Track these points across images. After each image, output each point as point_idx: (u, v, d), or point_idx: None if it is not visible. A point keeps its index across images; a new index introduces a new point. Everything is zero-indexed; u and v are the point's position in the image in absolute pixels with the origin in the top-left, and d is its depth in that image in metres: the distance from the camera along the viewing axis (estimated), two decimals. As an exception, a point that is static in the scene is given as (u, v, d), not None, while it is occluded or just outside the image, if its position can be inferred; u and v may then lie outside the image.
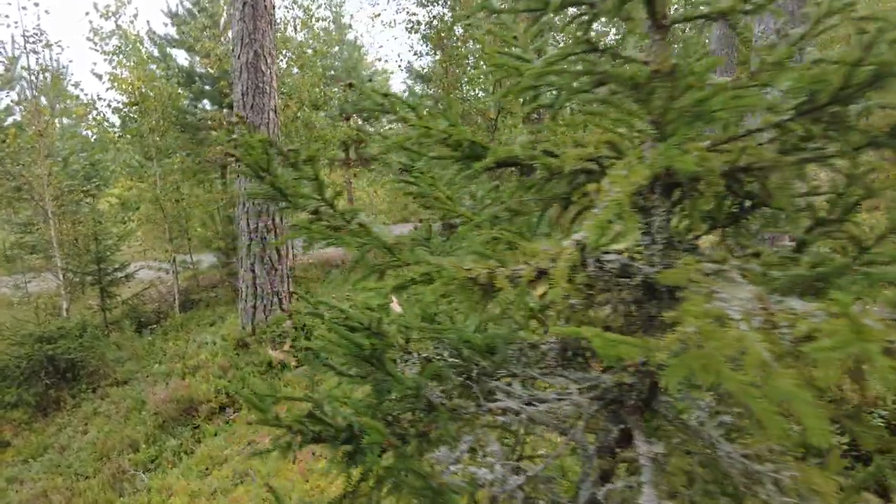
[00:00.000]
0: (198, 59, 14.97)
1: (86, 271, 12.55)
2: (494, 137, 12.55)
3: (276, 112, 8.06)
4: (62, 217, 12.51)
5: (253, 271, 8.02)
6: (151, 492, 5.47)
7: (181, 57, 15.41)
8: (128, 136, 12.15)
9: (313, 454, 4.74)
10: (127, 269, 13.05)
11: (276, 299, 8.10)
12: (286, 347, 7.57)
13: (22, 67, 13.59)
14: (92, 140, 17.43)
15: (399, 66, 33.00)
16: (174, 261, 12.93)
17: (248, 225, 7.96)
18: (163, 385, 7.35)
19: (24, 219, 17.47)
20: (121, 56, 11.57)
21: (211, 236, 12.67)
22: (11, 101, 19.38)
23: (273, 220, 8.04)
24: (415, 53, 15.36)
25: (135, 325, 12.02)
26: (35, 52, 12.07)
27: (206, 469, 5.65)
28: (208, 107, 16.06)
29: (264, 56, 7.80)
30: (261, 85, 7.80)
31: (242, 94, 7.78)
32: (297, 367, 7.31)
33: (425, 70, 13.81)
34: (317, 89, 12.38)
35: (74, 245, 13.14)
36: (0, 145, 15.24)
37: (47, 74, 11.97)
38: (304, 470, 4.54)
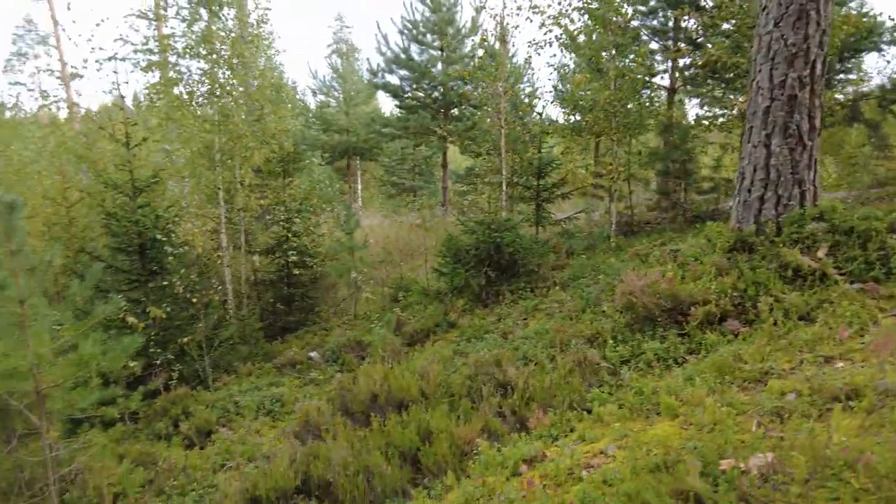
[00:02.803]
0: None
1: (526, 185, 12.27)
2: None
3: None
4: (511, 125, 12.40)
5: (767, 147, 5.52)
6: (644, 394, 3.66)
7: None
8: (587, 31, 11.05)
9: None
10: (563, 188, 12.31)
11: (796, 190, 5.44)
12: (820, 254, 4.88)
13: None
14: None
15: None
16: (611, 187, 11.50)
17: (772, 77, 5.47)
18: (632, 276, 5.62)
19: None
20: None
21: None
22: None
23: (813, 68, 5.35)
24: None
25: (567, 247, 11.13)
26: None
27: (730, 381, 3.53)
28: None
29: None
30: None
31: None
32: (847, 282, 4.57)
33: None
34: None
35: (517, 154, 12.98)
36: (466, 69, 16.56)
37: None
38: None
